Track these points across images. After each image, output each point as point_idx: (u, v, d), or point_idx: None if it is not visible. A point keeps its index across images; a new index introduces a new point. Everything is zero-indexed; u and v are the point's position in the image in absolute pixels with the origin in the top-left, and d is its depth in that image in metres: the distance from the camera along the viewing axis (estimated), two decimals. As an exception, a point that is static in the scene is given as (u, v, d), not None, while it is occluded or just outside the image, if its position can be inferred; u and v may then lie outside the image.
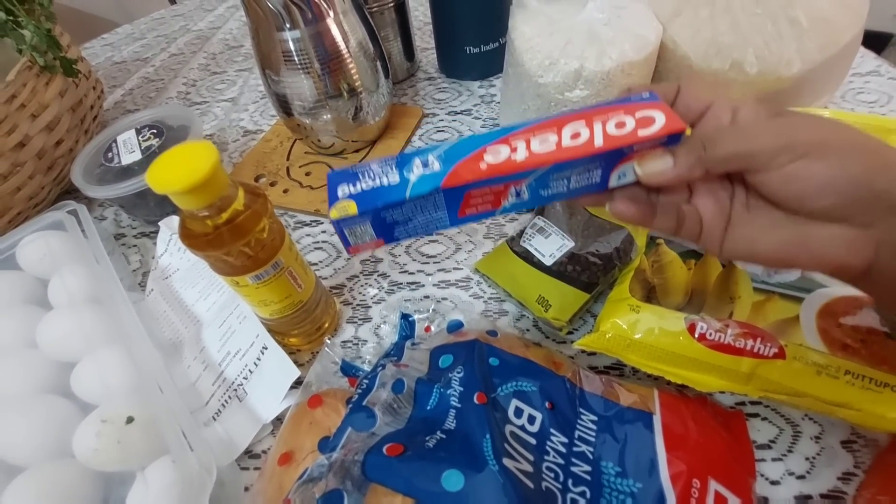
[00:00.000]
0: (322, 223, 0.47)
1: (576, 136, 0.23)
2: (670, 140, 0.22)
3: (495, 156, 0.23)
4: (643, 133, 0.22)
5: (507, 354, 0.27)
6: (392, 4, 0.56)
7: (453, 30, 0.56)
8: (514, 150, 0.23)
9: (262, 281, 0.30)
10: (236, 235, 0.27)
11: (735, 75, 0.41)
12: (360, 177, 0.25)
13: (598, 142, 0.22)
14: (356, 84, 0.47)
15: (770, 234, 0.20)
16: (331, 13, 0.43)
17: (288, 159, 0.54)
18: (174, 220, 0.46)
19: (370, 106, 0.49)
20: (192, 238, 0.27)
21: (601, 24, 0.40)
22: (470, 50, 0.56)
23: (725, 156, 0.21)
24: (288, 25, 0.42)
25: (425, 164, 0.24)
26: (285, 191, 0.50)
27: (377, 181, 0.24)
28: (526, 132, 0.24)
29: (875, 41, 1.94)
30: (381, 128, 0.53)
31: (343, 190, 0.24)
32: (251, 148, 0.57)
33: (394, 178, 0.24)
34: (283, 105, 0.48)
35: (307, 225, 0.48)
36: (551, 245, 0.36)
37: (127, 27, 0.91)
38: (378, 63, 0.49)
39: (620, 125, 0.23)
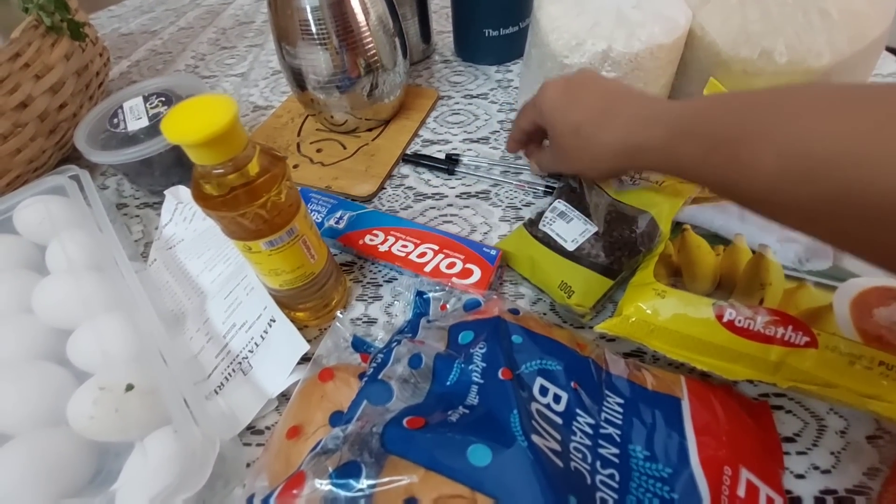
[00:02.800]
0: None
1: (422, 255, 0.35)
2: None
3: (372, 239, 0.37)
4: (456, 280, 0.33)
5: (530, 332, 0.26)
6: (410, -19, 0.55)
7: (473, 12, 0.55)
8: (383, 242, 0.37)
9: (275, 248, 0.28)
10: (252, 196, 0.26)
11: (764, 64, 0.40)
12: (308, 204, 0.40)
13: (428, 269, 0.35)
14: (373, 60, 0.46)
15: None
16: (350, -14, 0.41)
17: (299, 135, 0.53)
18: (180, 190, 0.44)
19: (386, 84, 0.48)
20: (205, 198, 0.25)
21: (630, 5, 0.39)
22: (489, 33, 0.55)
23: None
24: (309, -6, 0.40)
25: (338, 220, 0.39)
26: (295, 166, 0.49)
27: (311, 215, 0.38)
28: (401, 231, 0.37)
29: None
30: (396, 107, 0.52)
31: None
32: (261, 123, 0.55)
33: (318, 218, 0.40)
34: (298, 79, 0.47)
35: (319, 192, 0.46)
36: (573, 230, 0.35)
37: (135, 0, 0.89)
38: (396, 40, 0.47)
39: (451, 265, 0.34)
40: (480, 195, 0.44)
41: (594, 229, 0.34)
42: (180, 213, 0.43)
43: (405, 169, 0.48)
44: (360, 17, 0.43)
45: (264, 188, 0.26)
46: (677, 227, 0.33)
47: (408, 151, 0.48)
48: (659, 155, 0.26)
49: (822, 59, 0.39)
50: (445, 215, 0.42)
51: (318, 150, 0.50)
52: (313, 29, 0.42)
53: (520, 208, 0.42)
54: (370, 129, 0.52)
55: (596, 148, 0.29)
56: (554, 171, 0.36)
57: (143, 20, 0.81)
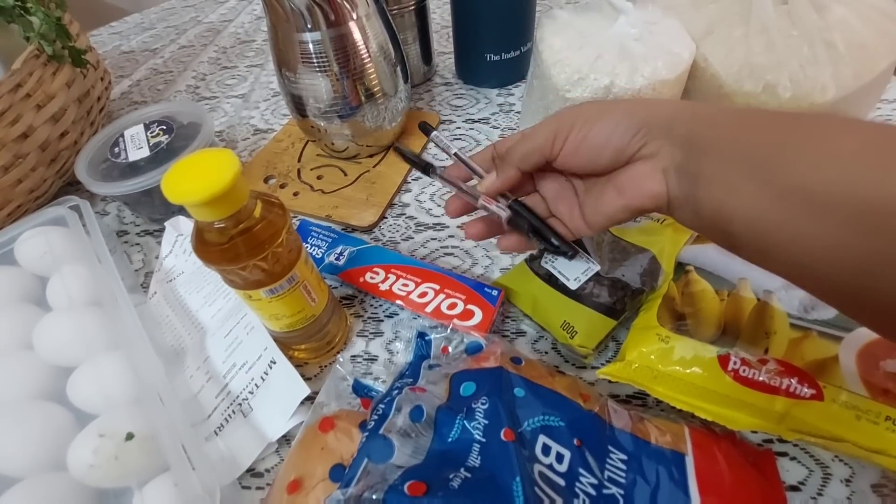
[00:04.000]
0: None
1: (423, 295, 0.35)
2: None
3: (372, 277, 0.37)
4: (457, 322, 0.33)
5: (533, 385, 0.26)
6: (412, 7, 0.54)
7: (474, 36, 0.55)
8: (384, 280, 0.37)
9: (276, 295, 0.28)
10: (253, 249, 0.25)
11: (767, 98, 0.40)
12: (307, 239, 0.41)
13: (429, 309, 0.34)
14: (375, 88, 0.46)
15: (603, 197, 0.25)
16: (354, 16, 0.41)
17: (299, 161, 0.52)
18: (180, 221, 0.44)
19: (387, 111, 0.48)
20: (207, 251, 0.25)
21: (633, 39, 0.39)
22: (490, 57, 0.55)
23: (519, 156, 0.27)
24: (309, 26, 0.40)
25: (338, 257, 0.39)
26: (295, 194, 0.49)
27: (312, 250, 0.40)
28: (402, 269, 0.37)
29: None
30: (398, 133, 0.52)
31: None
32: (261, 147, 0.55)
33: (318, 254, 0.40)
34: (298, 106, 0.46)
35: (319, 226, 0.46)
36: (576, 268, 0.34)
37: (136, 16, 0.89)
38: (398, 68, 0.47)
39: (452, 306, 0.34)
40: (482, 226, 0.44)
41: (596, 268, 0.34)
42: (180, 245, 0.43)
43: (406, 197, 0.48)
44: (362, 47, 0.43)
45: (266, 240, 0.26)
46: (680, 267, 0.33)
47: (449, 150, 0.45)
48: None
49: (827, 94, 0.39)
50: (447, 247, 0.42)
51: (319, 177, 0.50)
52: (314, 58, 0.42)
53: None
54: (371, 156, 0.52)
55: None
56: (595, 226, 0.26)
57: (144, 37, 0.81)
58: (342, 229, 0.46)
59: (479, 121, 0.54)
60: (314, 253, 0.39)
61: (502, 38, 0.54)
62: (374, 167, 0.50)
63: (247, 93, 0.65)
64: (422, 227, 0.44)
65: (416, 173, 0.50)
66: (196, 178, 0.23)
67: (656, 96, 0.38)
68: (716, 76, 0.41)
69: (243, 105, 0.63)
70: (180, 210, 0.48)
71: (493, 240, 0.42)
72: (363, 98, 0.46)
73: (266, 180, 0.51)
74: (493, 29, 0.53)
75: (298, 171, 0.51)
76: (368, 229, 0.45)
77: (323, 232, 0.40)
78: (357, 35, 0.42)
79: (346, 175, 0.50)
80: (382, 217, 0.46)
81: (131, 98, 0.67)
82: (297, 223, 0.46)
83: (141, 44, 0.80)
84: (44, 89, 0.46)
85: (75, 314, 0.36)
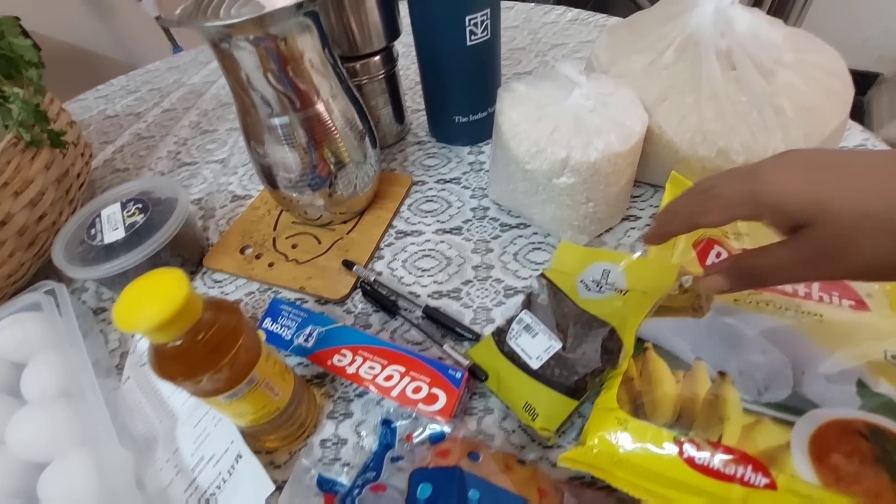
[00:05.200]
0: (306, 301, 0.46)
1: (388, 378, 0.35)
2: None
3: (340, 360, 0.37)
4: (422, 406, 0.33)
5: (488, 486, 0.26)
6: (382, 76, 0.56)
7: (442, 101, 0.57)
8: (352, 362, 0.37)
9: (235, 398, 0.29)
10: (210, 361, 0.26)
11: (722, 163, 0.41)
12: (278, 319, 0.42)
13: (395, 393, 0.35)
14: (344, 159, 0.47)
15: None
16: (320, 98, 0.43)
17: (275, 229, 0.53)
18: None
19: (358, 178, 0.49)
20: (163, 368, 0.26)
21: (587, 111, 0.40)
22: (459, 119, 0.57)
23: (765, 284, 0.27)
24: (276, 112, 0.41)
25: (307, 338, 0.40)
26: (270, 264, 0.49)
27: (281, 330, 0.41)
28: (369, 351, 0.37)
29: (860, 81, 1.97)
30: (370, 198, 0.53)
31: (266, 322, 0.42)
32: (239, 215, 0.56)
33: (287, 335, 0.40)
34: (268, 177, 0.47)
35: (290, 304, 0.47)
36: (538, 346, 0.35)
37: (122, 79, 0.91)
38: (366, 137, 0.48)
39: (417, 390, 0.34)
40: (452, 294, 0.44)
41: (558, 346, 0.34)
42: (154, 326, 0.43)
43: (379, 265, 0.48)
44: (329, 123, 0.44)
45: (222, 350, 0.26)
46: (640, 343, 0.33)
47: (368, 280, 0.46)
48: None
49: None
50: (418, 318, 0.43)
51: (294, 246, 0.51)
52: (282, 137, 0.43)
53: (490, 308, 0.43)
54: (345, 222, 0.52)
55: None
56: (797, 280, 0.26)
57: (128, 101, 0.84)
58: (316, 301, 0.46)
59: (450, 181, 0.56)
60: (283, 334, 0.40)
61: (469, 101, 0.55)
62: (347, 234, 0.51)
63: (226, 157, 0.66)
64: (393, 296, 0.44)
65: (388, 238, 0.51)
66: (146, 302, 0.24)
67: (612, 167, 0.39)
68: (671, 142, 0.42)
69: (222, 171, 0.64)
70: (157, 287, 0.49)
71: (462, 309, 0.42)
72: (332, 168, 0.47)
73: (242, 251, 0.52)
74: (459, 93, 0.55)
75: (274, 239, 0.52)
76: (341, 301, 0.45)
77: (293, 312, 0.41)
78: (324, 114, 0.44)
79: (320, 243, 0.51)
80: (355, 287, 0.46)
81: (114, 165, 0.69)
82: (270, 300, 0.47)
83: (125, 107, 0.82)
84: (22, 175, 0.47)
85: (46, 408, 0.37)
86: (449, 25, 0.48)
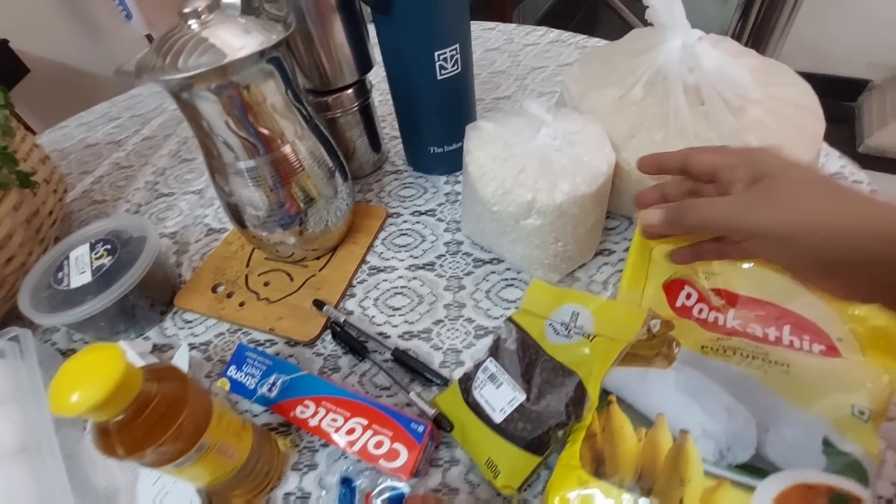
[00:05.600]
0: (276, 342, 0.46)
1: (351, 431, 0.34)
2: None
3: (303, 411, 0.36)
4: (383, 463, 0.33)
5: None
6: (356, 108, 0.56)
7: (417, 132, 0.56)
8: (314, 414, 0.36)
9: (185, 465, 0.28)
10: (153, 436, 0.25)
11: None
12: (242, 367, 0.40)
13: (356, 448, 0.34)
14: (313, 196, 0.46)
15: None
16: (286, 140, 0.42)
17: (248, 265, 0.53)
18: (121, 348, 0.44)
19: (329, 214, 0.48)
20: (106, 445, 0.25)
21: (554, 150, 0.40)
22: (434, 150, 0.56)
23: (689, 225, 0.30)
24: (241, 157, 0.41)
25: (270, 387, 0.39)
26: (241, 304, 0.49)
27: (245, 379, 0.40)
28: (333, 402, 0.36)
29: (851, 87, 1.98)
30: (343, 232, 0.52)
31: (230, 370, 0.41)
32: (213, 250, 0.56)
33: (251, 384, 0.39)
34: (236, 216, 0.47)
35: (261, 345, 0.46)
36: (502, 397, 0.34)
37: (104, 105, 0.91)
38: (336, 173, 0.48)
39: (379, 445, 0.33)
40: (422, 335, 0.44)
41: (522, 397, 0.34)
42: (120, 374, 0.43)
43: (350, 303, 0.48)
44: (295, 163, 0.44)
45: (167, 422, 0.26)
46: (604, 395, 0.33)
47: (338, 321, 0.45)
48: None
49: None
50: (387, 360, 0.42)
51: (266, 284, 0.50)
52: (248, 180, 0.43)
53: (460, 350, 0.42)
54: (318, 258, 0.52)
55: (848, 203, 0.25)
56: (723, 220, 0.28)
57: (109, 128, 0.83)
58: (286, 342, 0.46)
59: (425, 213, 0.55)
60: (247, 383, 0.39)
61: (443, 132, 0.55)
62: (320, 270, 0.51)
63: (203, 188, 0.65)
64: (364, 339, 0.44)
65: (361, 276, 0.50)
66: (81, 384, 0.23)
67: (578, 208, 0.39)
68: (641, 179, 0.42)
69: (199, 202, 0.63)
70: (126, 329, 0.48)
71: (432, 350, 0.41)
72: (302, 206, 0.46)
73: (214, 288, 0.51)
74: (433, 125, 0.54)
75: (246, 276, 0.52)
76: (311, 342, 0.45)
77: (258, 359, 0.40)
78: (290, 156, 0.43)
79: (292, 280, 0.50)
80: (326, 328, 0.45)
81: (92, 197, 0.68)
82: (239, 342, 0.46)
83: (106, 135, 0.82)
84: (-12, 219, 0.46)
85: (4, 465, 0.36)
86: (418, 61, 0.48)
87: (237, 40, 0.37)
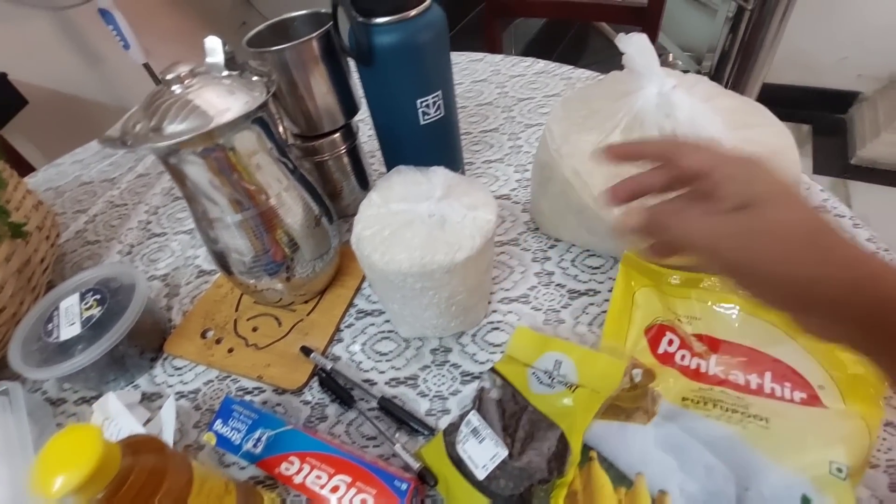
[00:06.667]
0: (264, 390, 0.46)
1: (335, 489, 0.35)
2: None
3: (287, 468, 0.37)
4: None
5: None
6: (343, 151, 0.57)
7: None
8: (299, 471, 0.36)
9: (165, 537, 0.28)
10: (132, 508, 0.25)
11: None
12: (228, 421, 0.40)
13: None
14: (300, 243, 0.47)
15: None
16: (271, 195, 0.43)
17: (237, 310, 0.53)
18: (109, 402, 0.44)
19: (316, 259, 0.49)
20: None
21: (437, 225, 0.40)
22: (420, 190, 0.57)
23: (665, 242, 0.30)
24: (227, 212, 0.42)
25: (256, 443, 0.38)
26: (230, 350, 0.49)
27: (231, 434, 0.40)
28: (317, 458, 0.36)
29: (840, 100, 1.99)
30: (331, 276, 0.53)
31: (216, 424, 0.40)
32: (203, 293, 0.56)
33: (237, 439, 0.39)
34: (223, 263, 0.47)
35: (249, 393, 0.46)
36: (484, 453, 0.34)
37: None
38: (322, 218, 0.49)
39: (363, 503, 0.34)
40: (409, 381, 0.44)
41: (505, 453, 0.34)
42: (107, 429, 0.43)
43: (338, 348, 0.48)
44: (281, 213, 0.44)
45: (147, 496, 0.26)
46: (586, 450, 0.33)
47: (325, 368, 0.45)
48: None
49: None
50: (373, 409, 0.42)
51: (254, 329, 0.51)
52: (235, 232, 0.43)
53: (446, 398, 0.42)
54: (306, 302, 0.52)
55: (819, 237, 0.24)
56: (705, 247, 0.26)
57: (103, 166, 0.84)
58: (274, 390, 0.46)
59: (413, 252, 0.55)
60: (233, 438, 0.39)
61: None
62: (308, 315, 0.51)
63: (194, 228, 0.66)
64: (350, 387, 0.44)
65: (348, 319, 0.50)
66: (61, 466, 0.23)
67: (454, 277, 0.39)
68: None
69: (190, 242, 0.64)
70: (115, 378, 0.48)
71: (418, 398, 0.41)
72: (288, 252, 0.47)
73: (203, 334, 0.51)
74: (416, 159, 0.54)
75: (235, 321, 0.52)
76: (298, 390, 0.45)
77: (244, 413, 0.40)
78: (276, 207, 0.44)
79: (280, 325, 0.51)
80: (314, 374, 0.46)
81: (85, 237, 0.69)
82: (228, 389, 0.46)
83: (100, 173, 0.83)
84: (-21, 273, 0.47)
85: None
86: (401, 108, 0.49)
87: (222, 102, 0.38)
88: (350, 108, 0.54)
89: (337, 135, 0.55)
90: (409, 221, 0.40)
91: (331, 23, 0.47)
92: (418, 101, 0.48)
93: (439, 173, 0.42)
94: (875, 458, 0.34)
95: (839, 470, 0.29)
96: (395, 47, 0.44)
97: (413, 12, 0.44)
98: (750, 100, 0.46)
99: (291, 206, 0.45)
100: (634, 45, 0.41)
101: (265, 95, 0.39)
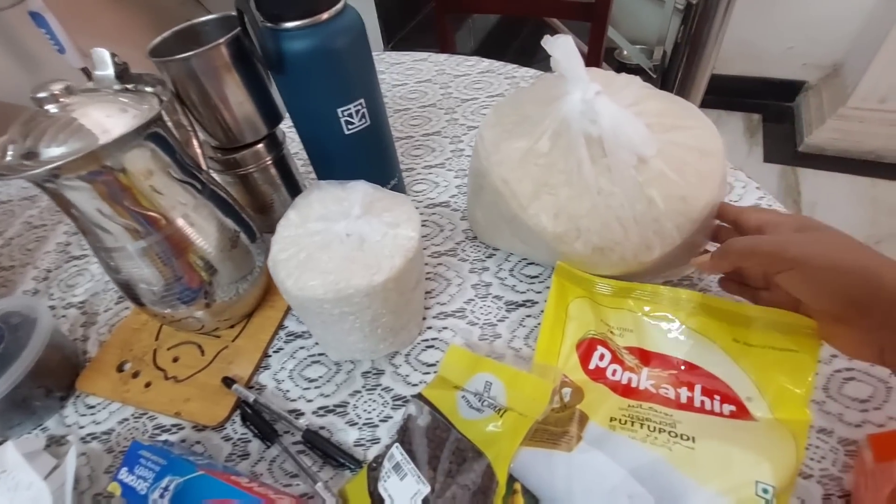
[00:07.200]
0: (183, 427, 0.43)
1: None
2: None
3: None
4: None
5: None
6: (270, 161, 0.53)
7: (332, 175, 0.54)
8: None
9: None
10: None
11: (598, 259, 0.39)
12: (135, 469, 0.36)
13: None
14: (217, 266, 0.43)
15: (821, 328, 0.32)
16: (176, 216, 0.39)
17: (157, 338, 0.50)
18: (7, 453, 0.40)
19: (239, 281, 0.46)
20: None
21: (355, 246, 0.38)
22: (353, 201, 0.54)
23: (736, 252, 0.33)
24: (127, 240, 0.38)
25: (163, 492, 0.34)
26: (147, 385, 0.45)
27: (137, 483, 0.35)
28: None
29: (787, 89, 2.05)
30: (258, 297, 0.50)
31: (122, 473, 0.36)
32: (122, 320, 0.52)
33: (143, 488, 0.35)
34: (131, 295, 0.43)
35: (167, 431, 0.43)
36: (405, 491, 0.32)
37: (18, 156, 0.86)
38: (242, 236, 0.45)
39: None
40: (338, 409, 0.41)
41: (426, 490, 0.32)
42: (4, 482, 0.39)
43: (264, 376, 0.45)
44: (192, 235, 0.41)
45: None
46: (511, 482, 0.31)
47: (248, 400, 0.42)
48: None
49: (653, 253, 0.38)
50: (298, 443, 0.40)
51: (175, 360, 0.47)
52: (139, 260, 0.40)
53: (377, 425, 0.40)
54: (232, 326, 0.49)
55: None
56: (773, 250, 0.30)
57: (24, 182, 0.78)
58: (193, 427, 0.43)
59: (348, 268, 0.53)
60: (138, 488, 0.36)
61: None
62: (233, 341, 0.48)
63: (117, 249, 0.62)
64: (274, 420, 0.41)
65: (277, 343, 0.48)
66: None
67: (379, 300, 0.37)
68: (550, 243, 0.40)
69: (111, 266, 0.60)
70: (20, 423, 0.44)
71: (347, 427, 0.38)
72: (205, 277, 0.43)
73: (120, 367, 0.47)
74: (348, 177, 0.52)
75: (155, 351, 0.48)
76: (220, 426, 0.42)
77: (152, 458, 0.37)
78: (184, 229, 0.40)
79: (203, 354, 0.47)
80: (237, 407, 0.43)
81: (0, 263, 0.64)
82: (144, 428, 0.43)
83: (19, 190, 0.77)
84: None
85: None
86: (321, 118, 0.46)
87: (109, 120, 0.34)
88: (273, 117, 0.51)
89: (260, 145, 0.52)
90: (327, 243, 0.38)
91: (238, 28, 0.43)
92: (339, 110, 0.45)
93: (358, 189, 0.40)
94: (808, 467, 0.34)
95: (765, 491, 0.28)
96: (306, 54, 0.41)
97: (325, 15, 0.41)
98: (681, 100, 0.45)
99: (203, 227, 0.42)
100: (560, 48, 0.39)
101: (156, 109, 0.36)
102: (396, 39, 1.69)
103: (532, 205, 0.40)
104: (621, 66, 1.90)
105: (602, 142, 0.39)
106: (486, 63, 0.83)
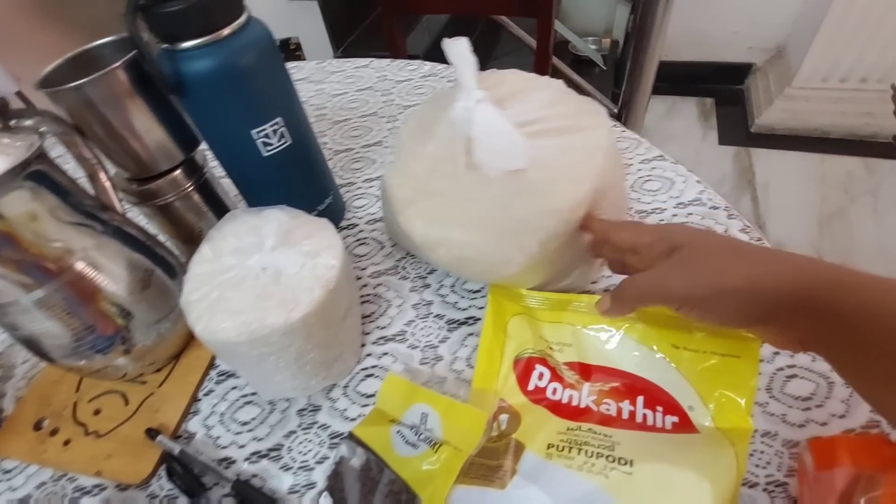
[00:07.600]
0: (105, 487, 0.39)
1: None
2: None
3: None
4: None
5: None
6: (191, 188, 0.50)
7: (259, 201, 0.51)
8: None
9: None
10: None
11: (461, 268, 0.39)
12: None
13: None
14: (132, 309, 0.40)
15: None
16: (74, 261, 0.36)
17: (78, 390, 0.46)
18: None
19: (160, 321, 0.43)
20: None
21: (272, 280, 0.35)
22: (285, 224, 0.51)
23: (630, 301, 0.32)
24: (17, 293, 0.34)
25: None
26: (66, 442, 0.42)
27: None
28: None
29: (736, 72, 2.09)
30: (186, 336, 0.46)
31: None
32: (40, 372, 0.48)
33: None
34: (38, 351, 0.39)
35: (88, 493, 0.39)
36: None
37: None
38: (158, 272, 0.42)
39: None
40: (272, 454, 0.39)
41: (358, 540, 0.30)
42: None
43: (193, 423, 0.42)
44: (98, 277, 0.38)
45: None
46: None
47: (174, 453, 0.39)
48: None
49: (512, 266, 0.37)
50: (229, 496, 0.37)
51: (97, 412, 0.44)
52: (37, 312, 0.36)
53: (312, 468, 0.37)
54: (159, 370, 0.46)
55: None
56: (655, 295, 0.30)
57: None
58: (117, 486, 0.39)
59: (284, 295, 0.50)
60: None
61: (299, 200, 0.49)
62: (159, 386, 0.44)
63: (36, 292, 0.57)
64: (201, 472, 0.38)
65: (207, 385, 0.44)
66: None
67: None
68: (429, 256, 0.39)
69: (30, 311, 0.55)
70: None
71: (281, 472, 0.36)
72: (119, 322, 0.40)
73: (38, 425, 0.44)
74: (274, 201, 0.49)
75: (75, 405, 0.45)
76: (144, 482, 0.39)
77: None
78: (86, 273, 0.37)
79: (127, 404, 0.44)
80: (162, 461, 0.39)
81: None
82: (63, 492, 0.39)
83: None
84: None
85: None
86: (235, 140, 0.43)
87: (-24, 162, 0.31)
88: (188, 141, 0.47)
89: (178, 172, 0.48)
90: (241, 279, 0.35)
91: (135, 50, 0.40)
92: (253, 131, 0.42)
93: (273, 217, 0.37)
94: (753, 475, 0.33)
95: (701, 516, 0.26)
96: (208, 75, 0.38)
97: (226, 31, 0.38)
98: (588, 101, 0.42)
99: (110, 269, 0.38)
100: (454, 52, 0.37)
101: (32, 148, 0.32)
102: (346, 44, 1.65)
103: (407, 210, 0.39)
104: (575, 59, 1.91)
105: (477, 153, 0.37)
106: (428, 67, 0.80)
